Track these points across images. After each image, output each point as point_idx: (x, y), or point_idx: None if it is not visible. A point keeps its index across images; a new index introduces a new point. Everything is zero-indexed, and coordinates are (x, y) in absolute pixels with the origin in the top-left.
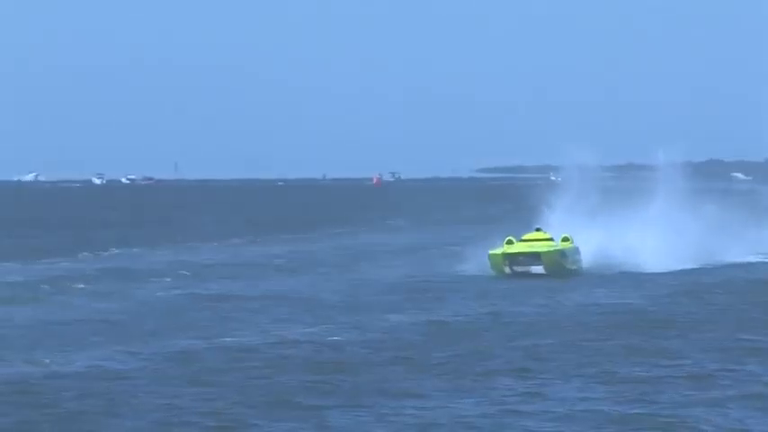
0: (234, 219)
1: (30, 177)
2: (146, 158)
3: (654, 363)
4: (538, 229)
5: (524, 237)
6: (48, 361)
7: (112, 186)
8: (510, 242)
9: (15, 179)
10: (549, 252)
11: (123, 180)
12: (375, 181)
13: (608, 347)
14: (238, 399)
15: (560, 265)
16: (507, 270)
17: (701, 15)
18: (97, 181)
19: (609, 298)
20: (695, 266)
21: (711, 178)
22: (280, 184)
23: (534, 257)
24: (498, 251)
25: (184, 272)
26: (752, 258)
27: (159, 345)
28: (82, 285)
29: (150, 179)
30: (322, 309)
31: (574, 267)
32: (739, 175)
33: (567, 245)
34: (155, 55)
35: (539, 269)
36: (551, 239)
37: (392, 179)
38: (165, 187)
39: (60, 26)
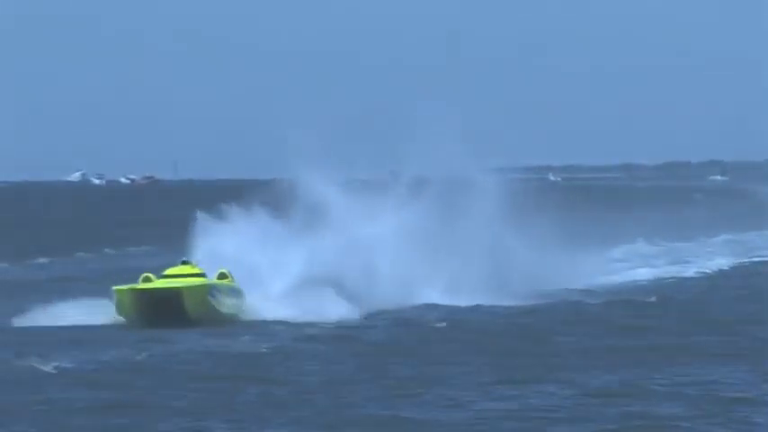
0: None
1: (76, 177)
2: (145, 158)
3: None
4: (185, 262)
5: (166, 272)
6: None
7: (115, 187)
8: (148, 279)
9: (62, 179)
10: (193, 288)
11: (123, 180)
12: None
13: None
14: None
15: (209, 307)
16: (136, 312)
17: (701, 16)
18: (97, 181)
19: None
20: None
21: (691, 179)
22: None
23: (173, 296)
24: (124, 287)
25: None
26: (579, 286)
27: None
28: None
29: (150, 178)
30: None
31: (228, 311)
32: (717, 177)
33: (223, 282)
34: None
35: (180, 312)
36: (203, 275)
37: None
38: (163, 188)
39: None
